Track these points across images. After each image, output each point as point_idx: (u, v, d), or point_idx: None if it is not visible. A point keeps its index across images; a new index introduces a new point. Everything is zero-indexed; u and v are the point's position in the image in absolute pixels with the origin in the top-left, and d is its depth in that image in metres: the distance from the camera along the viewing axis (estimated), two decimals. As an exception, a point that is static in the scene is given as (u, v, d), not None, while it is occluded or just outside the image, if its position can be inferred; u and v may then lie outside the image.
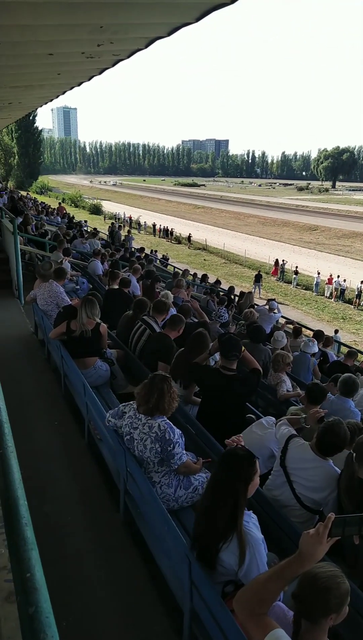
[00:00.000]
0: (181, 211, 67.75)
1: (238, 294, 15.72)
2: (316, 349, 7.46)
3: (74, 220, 23.39)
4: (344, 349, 14.10)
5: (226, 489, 2.23)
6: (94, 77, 9.15)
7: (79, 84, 10.34)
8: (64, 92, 12.38)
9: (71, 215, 26.24)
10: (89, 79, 9.46)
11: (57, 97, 13.73)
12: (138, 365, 5.14)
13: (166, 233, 46.01)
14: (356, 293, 25.39)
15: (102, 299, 6.90)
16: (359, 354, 11.08)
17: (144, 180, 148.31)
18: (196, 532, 2.34)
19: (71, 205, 58.74)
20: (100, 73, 8.72)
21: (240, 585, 2.16)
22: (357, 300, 25.37)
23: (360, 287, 25.13)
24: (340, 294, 26.56)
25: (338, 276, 27.10)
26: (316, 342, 7.62)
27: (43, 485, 3.77)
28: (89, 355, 4.96)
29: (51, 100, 14.61)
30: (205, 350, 4.39)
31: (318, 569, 1.76)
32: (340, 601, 1.74)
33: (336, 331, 20.29)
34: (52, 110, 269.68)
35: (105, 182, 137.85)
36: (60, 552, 3.14)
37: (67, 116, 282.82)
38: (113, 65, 7.96)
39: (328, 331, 13.26)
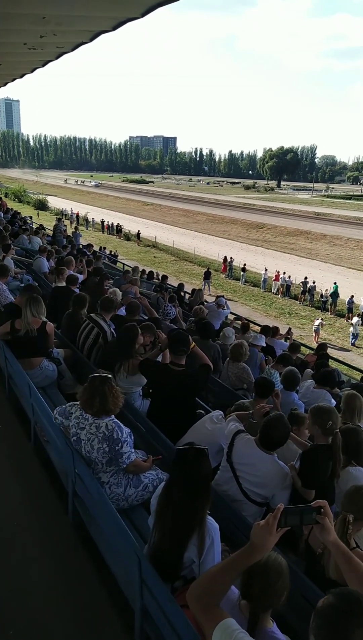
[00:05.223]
0: (130, 208, 67.16)
1: (188, 290, 15.83)
2: (263, 342, 7.68)
3: (19, 216, 22.58)
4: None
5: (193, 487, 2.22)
6: (37, 70, 8.92)
7: (22, 76, 10.05)
8: (5, 84, 11.99)
9: (14, 211, 25.26)
10: (32, 71, 9.21)
11: (-2, 88, 13.25)
12: (87, 364, 5.06)
13: (115, 230, 45.49)
14: (301, 289, 26.22)
15: (49, 297, 6.73)
16: (303, 347, 11.47)
17: (92, 176, 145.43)
18: (157, 547, 2.29)
19: (14, 200, 56.68)
20: (43, 65, 8.52)
21: (189, 580, 2.18)
22: (302, 296, 26.24)
23: (305, 282, 25.98)
24: (286, 290, 27.33)
25: (284, 273, 27.86)
26: (264, 336, 7.85)
27: (-13, 491, 3.64)
28: (34, 355, 4.81)
29: (-9, 92, 14.06)
30: (134, 343, 4.40)
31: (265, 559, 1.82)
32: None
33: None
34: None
35: (81, 181, 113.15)
36: (6, 558, 3.05)
37: (9, 108, 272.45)
38: (57, 57, 7.79)
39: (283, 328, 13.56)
